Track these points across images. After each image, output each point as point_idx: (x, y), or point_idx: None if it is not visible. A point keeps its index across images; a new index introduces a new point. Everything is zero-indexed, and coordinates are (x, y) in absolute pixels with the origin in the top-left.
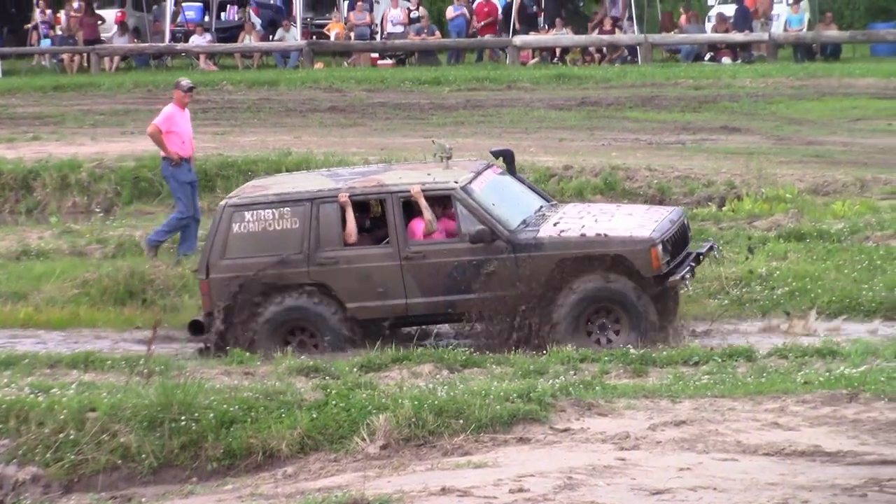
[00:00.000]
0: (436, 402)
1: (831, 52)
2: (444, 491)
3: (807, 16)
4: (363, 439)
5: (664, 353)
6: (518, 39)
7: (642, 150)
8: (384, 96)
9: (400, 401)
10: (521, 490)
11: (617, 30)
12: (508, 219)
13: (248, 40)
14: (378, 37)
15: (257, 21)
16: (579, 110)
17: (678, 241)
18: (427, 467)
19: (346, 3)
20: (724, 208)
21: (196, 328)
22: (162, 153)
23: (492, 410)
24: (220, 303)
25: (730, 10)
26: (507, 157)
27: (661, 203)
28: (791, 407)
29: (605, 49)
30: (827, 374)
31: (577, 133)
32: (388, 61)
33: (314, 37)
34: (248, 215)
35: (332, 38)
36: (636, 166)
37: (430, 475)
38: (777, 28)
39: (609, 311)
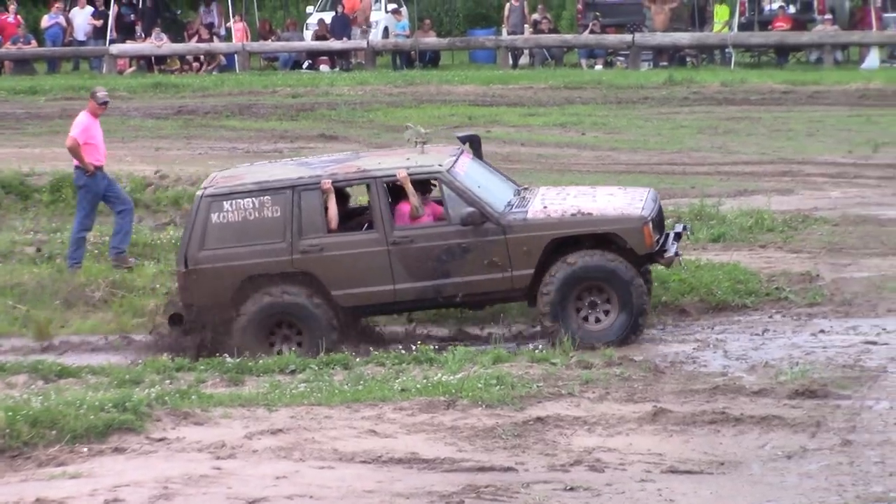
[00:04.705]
0: (30, 413)
1: (430, 59)
2: (39, 502)
3: (408, 22)
4: None
5: (260, 361)
6: (115, 48)
7: (239, 159)
8: None
9: None
10: (116, 500)
11: (214, 37)
12: (494, 201)
13: None
14: None
15: None
16: (176, 119)
17: (660, 221)
18: (22, 478)
19: None
20: None
21: (176, 321)
22: (75, 162)
23: (87, 420)
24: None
25: (329, 16)
26: (474, 142)
27: None
28: (388, 414)
29: (202, 57)
30: (424, 381)
31: (174, 142)
32: None
33: None
34: (227, 205)
35: None
36: None
37: (24, 486)
38: (376, 35)
39: (600, 289)
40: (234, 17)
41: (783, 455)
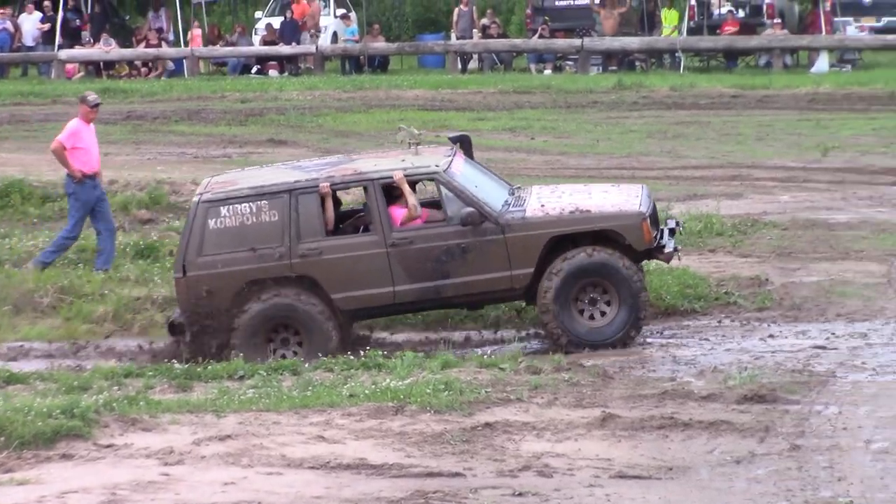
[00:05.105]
0: None
1: (379, 63)
2: None
3: (357, 27)
4: None
5: (209, 367)
6: (63, 53)
7: (188, 164)
8: None
9: None
10: None
11: (163, 42)
12: (492, 200)
13: None
14: None
15: None
16: (125, 124)
17: (654, 217)
18: None
19: None
20: None
21: (175, 329)
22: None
23: (35, 427)
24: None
25: (278, 22)
26: (465, 143)
27: None
28: (337, 420)
29: (151, 62)
30: (373, 386)
31: (122, 147)
32: None
33: None
34: (224, 210)
35: None
36: (182, 180)
37: None
38: (325, 40)
39: (599, 286)
40: (193, 23)
41: (732, 460)
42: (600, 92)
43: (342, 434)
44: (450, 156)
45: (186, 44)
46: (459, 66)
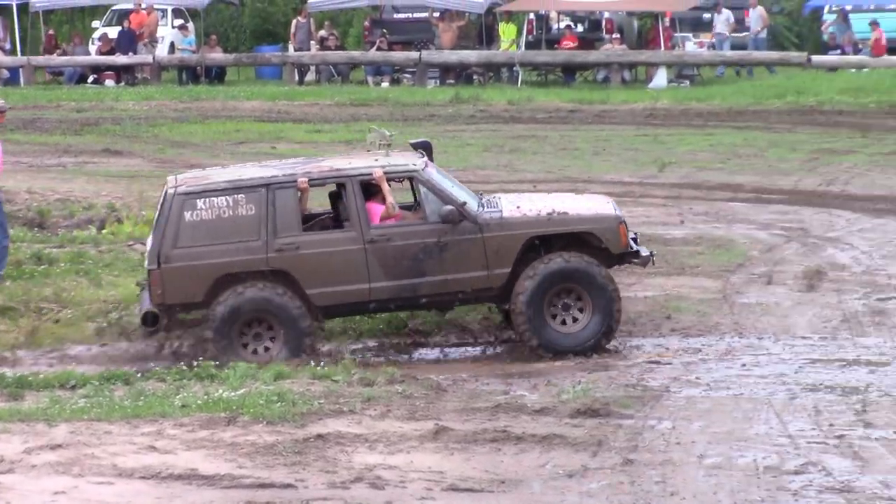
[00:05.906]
0: None
1: (217, 74)
2: None
3: (194, 38)
4: None
5: (41, 376)
6: None
7: (23, 174)
8: None
9: None
10: None
11: None
12: (469, 200)
13: None
14: None
15: None
16: None
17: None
18: None
19: None
20: (103, 231)
21: (149, 320)
22: None
23: None
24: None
25: (115, 31)
26: (427, 149)
27: (41, 227)
28: (168, 430)
29: None
30: (206, 397)
31: None
32: None
33: None
34: (200, 203)
35: None
36: (16, 189)
37: None
38: (162, 50)
39: (572, 291)
40: (47, 31)
41: (564, 474)
42: (437, 105)
43: (174, 444)
44: (422, 158)
45: (27, 52)
46: (297, 77)
